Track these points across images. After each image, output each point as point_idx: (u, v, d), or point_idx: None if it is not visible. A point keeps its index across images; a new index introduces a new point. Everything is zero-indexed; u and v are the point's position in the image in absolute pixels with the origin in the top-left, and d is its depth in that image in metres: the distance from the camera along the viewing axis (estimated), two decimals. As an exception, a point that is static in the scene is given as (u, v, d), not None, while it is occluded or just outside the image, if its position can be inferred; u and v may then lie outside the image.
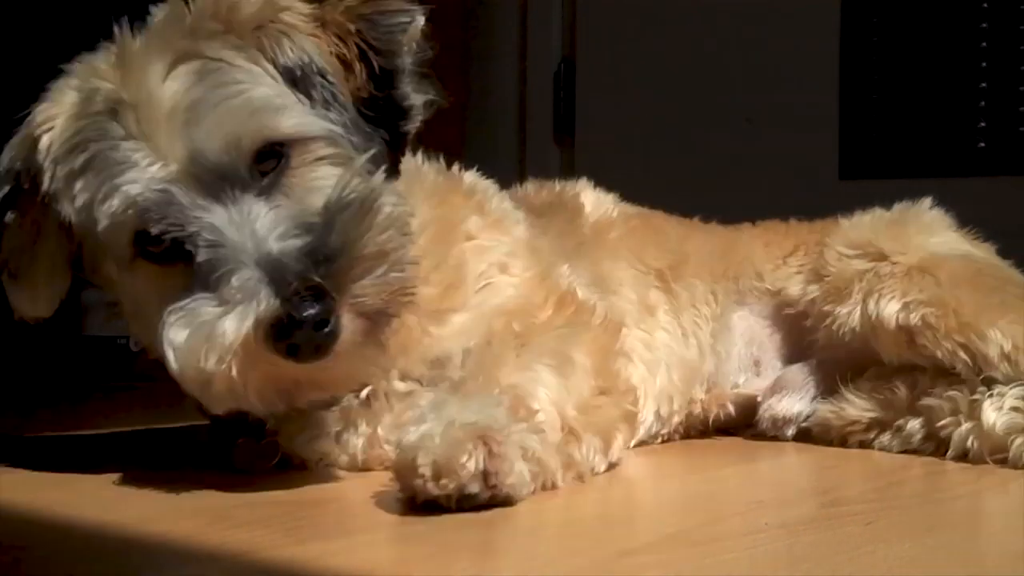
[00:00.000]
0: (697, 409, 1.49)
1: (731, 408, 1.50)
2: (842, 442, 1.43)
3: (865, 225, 1.53)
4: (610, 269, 1.45)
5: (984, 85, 2.51)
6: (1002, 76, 2.49)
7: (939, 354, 1.36)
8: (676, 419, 1.46)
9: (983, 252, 1.52)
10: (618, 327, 1.29)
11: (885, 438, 1.40)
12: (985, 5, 2.51)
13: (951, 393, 1.34)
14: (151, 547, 0.89)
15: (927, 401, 1.36)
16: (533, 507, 0.99)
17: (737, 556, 0.85)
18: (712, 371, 1.51)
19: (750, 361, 1.53)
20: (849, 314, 1.44)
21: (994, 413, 1.28)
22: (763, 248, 1.58)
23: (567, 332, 1.18)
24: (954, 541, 0.92)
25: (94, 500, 1.04)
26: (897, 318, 1.39)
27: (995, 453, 1.27)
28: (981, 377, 1.33)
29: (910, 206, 1.55)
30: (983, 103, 2.51)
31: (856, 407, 1.42)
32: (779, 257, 1.57)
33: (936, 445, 1.35)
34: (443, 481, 0.93)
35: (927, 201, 1.55)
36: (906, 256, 1.44)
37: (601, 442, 1.15)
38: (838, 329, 1.45)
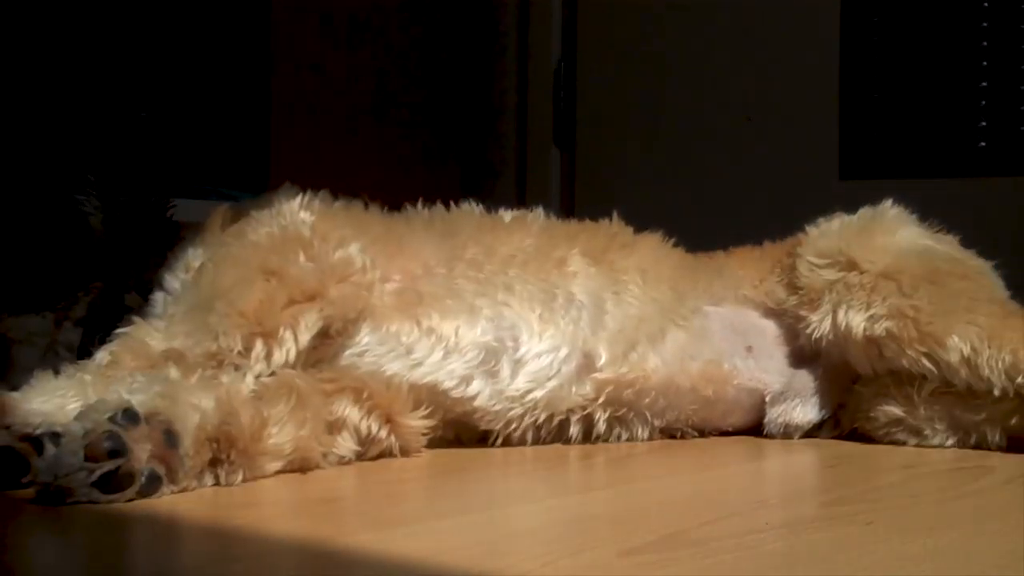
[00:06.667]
0: (685, 381, 1.45)
1: (731, 393, 1.48)
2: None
3: (833, 233, 1.53)
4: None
5: (985, 84, 2.51)
6: (1003, 75, 2.49)
7: (905, 363, 1.40)
8: (613, 368, 1.41)
9: (944, 246, 1.53)
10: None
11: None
12: (985, 5, 2.51)
13: None
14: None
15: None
16: (534, 506, 0.98)
17: (737, 556, 0.85)
18: (687, 343, 1.47)
19: (741, 346, 1.51)
20: (820, 322, 1.47)
21: None
22: (739, 270, 1.58)
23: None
24: (954, 541, 0.92)
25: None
26: (864, 330, 1.41)
27: None
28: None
29: (874, 210, 1.56)
30: (984, 102, 2.51)
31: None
32: (756, 279, 1.56)
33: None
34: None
35: (888, 202, 1.56)
36: (874, 264, 1.45)
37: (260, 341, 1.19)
38: (812, 333, 1.47)
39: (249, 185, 2.30)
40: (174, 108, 2.39)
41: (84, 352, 1.33)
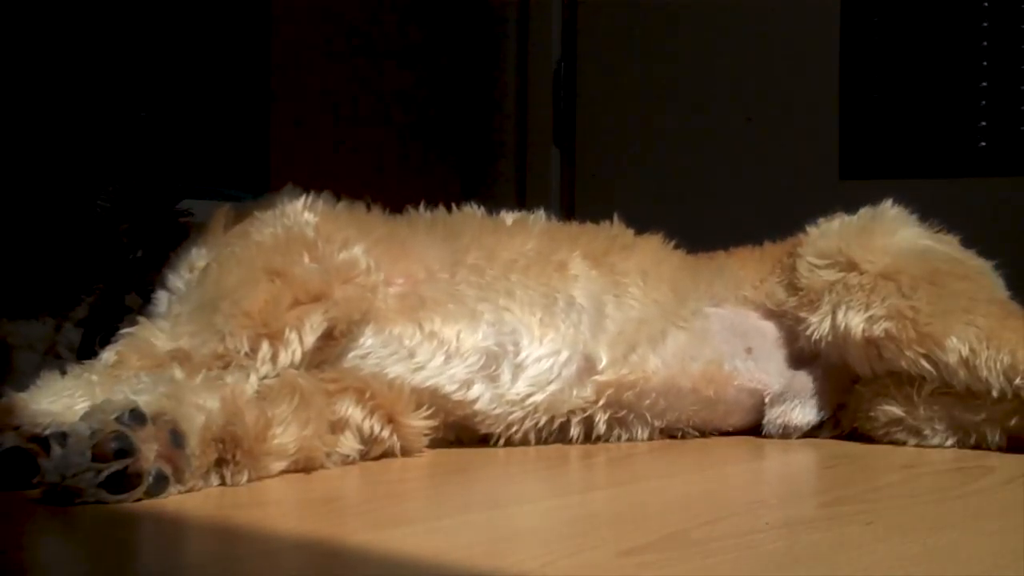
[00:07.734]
0: (685, 382, 1.45)
1: (732, 394, 1.48)
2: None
3: (833, 233, 1.53)
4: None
5: (985, 84, 2.51)
6: (1003, 75, 2.50)
7: (903, 364, 1.40)
8: (614, 370, 1.41)
9: (944, 246, 1.53)
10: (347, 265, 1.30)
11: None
12: (985, 4, 2.51)
13: None
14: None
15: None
16: (534, 506, 0.99)
17: (737, 556, 0.85)
18: (687, 344, 1.47)
19: (741, 347, 1.51)
20: (820, 323, 1.47)
21: None
22: (739, 271, 1.58)
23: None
24: (954, 541, 0.93)
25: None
26: (862, 331, 1.41)
27: None
28: None
29: (874, 210, 1.56)
30: (984, 102, 2.52)
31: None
32: (757, 280, 1.56)
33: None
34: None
35: (888, 202, 1.56)
36: (874, 264, 1.46)
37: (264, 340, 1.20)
38: (811, 334, 1.47)
39: (249, 185, 2.31)
40: (174, 108, 2.39)
41: (84, 352, 1.33)
